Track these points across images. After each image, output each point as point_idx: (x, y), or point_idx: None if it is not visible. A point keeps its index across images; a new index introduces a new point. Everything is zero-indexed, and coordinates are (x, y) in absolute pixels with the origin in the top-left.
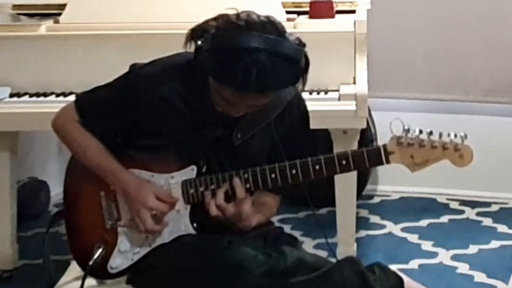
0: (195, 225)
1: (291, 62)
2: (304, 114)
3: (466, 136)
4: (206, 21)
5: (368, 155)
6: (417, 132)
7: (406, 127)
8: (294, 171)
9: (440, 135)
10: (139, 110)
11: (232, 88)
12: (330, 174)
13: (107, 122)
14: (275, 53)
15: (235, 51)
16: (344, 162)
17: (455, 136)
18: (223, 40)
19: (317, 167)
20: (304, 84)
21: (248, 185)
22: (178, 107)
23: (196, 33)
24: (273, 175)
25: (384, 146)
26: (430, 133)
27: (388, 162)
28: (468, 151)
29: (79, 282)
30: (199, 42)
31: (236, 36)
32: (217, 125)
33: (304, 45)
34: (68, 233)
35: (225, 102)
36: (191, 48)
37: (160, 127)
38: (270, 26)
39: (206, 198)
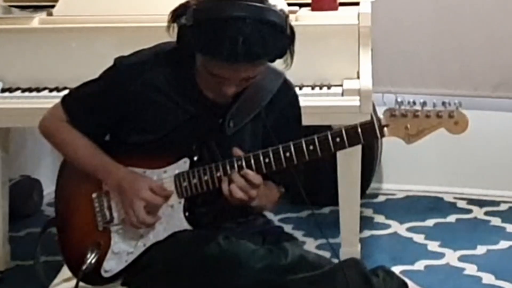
0: (189, 217)
1: (276, 28)
2: (294, 101)
3: (460, 103)
4: (187, 1)
5: (362, 130)
6: (410, 104)
7: (399, 99)
8: (288, 154)
9: (434, 104)
10: (127, 101)
11: (220, 60)
12: (325, 153)
13: (96, 118)
14: (259, 20)
15: (219, 21)
16: (338, 139)
17: (449, 104)
18: (205, 13)
19: (311, 147)
20: (292, 57)
21: (242, 173)
22: (166, 93)
23: (177, 12)
24: (266, 160)
25: (378, 119)
26: (424, 103)
27: (382, 135)
28: (463, 117)
29: (71, 285)
30: (182, 20)
31: (219, 7)
32: (208, 115)
33: (287, 15)
34: (60, 239)
35: (215, 81)
36: (174, 32)
37: (150, 118)
38: None
39: (223, 184)
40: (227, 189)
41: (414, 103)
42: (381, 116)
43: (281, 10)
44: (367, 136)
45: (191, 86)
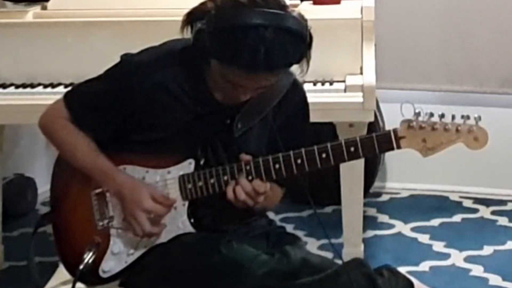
0: (192, 220)
1: (297, 37)
2: (303, 103)
3: (480, 118)
4: (203, 3)
5: (378, 141)
6: (428, 115)
7: (416, 111)
8: (299, 161)
9: (453, 117)
10: (135, 101)
11: (239, 69)
12: (338, 162)
13: (100, 116)
14: (281, 28)
15: (240, 29)
16: (352, 149)
17: (468, 118)
18: (226, 19)
19: (323, 155)
20: (308, 62)
21: (250, 177)
22: (175, 94)
23: (194, 15)
24: (277, 166)
25: (395, 130)
26: (442, 115)
27: (399, 147)
28: (483, 133)
29: (66, 287)
30: (199, 25)
31: (240, 14)
32: (215, 116)
33: (306, 20)
34: (56, 237)
35: (230, 86)
36: (187, 33)
37: (157, 118)
38: (272, 1)
39: (228, 188)
40: (232, 192)
41: (432, 114)
42: (398, 127)
43: (300, 15)
44: (382, 147)
45: (200, 87)
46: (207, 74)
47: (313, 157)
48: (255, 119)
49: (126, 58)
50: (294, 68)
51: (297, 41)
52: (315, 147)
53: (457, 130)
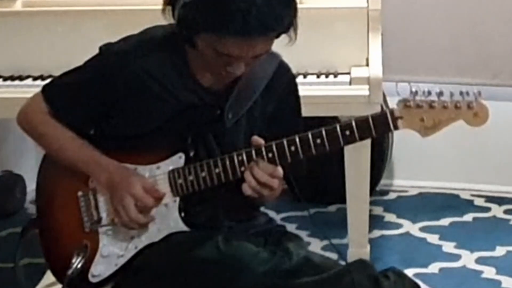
0: (182, 213)
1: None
2: (292, 85)
3: (480, 93)
4: None
5: (374, 122)
6: (425, 94)
7: (413, 90)
8: (293, 148)
9: (451, 94)
10: (117, 89)
11: (233, 35)
12: (334, 147)
13: (82, 108)
14: None
15: None
16: (348, 132)
17: (468, 94)
18: None
19: (318, 140)
20: (295, 31)
21: (243, 168)
22: (159, 82)
23: None
24: (270, 154)
25: (391, 110)
26: (440, 93)
27: (396, 128)
28: (483, 108)
29: None
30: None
31: None
32: (205, 105)
33: None
34: (43, 242)
35: (223, 61)
36: (169, 15)
37: (141, 108)
38: None
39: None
40: (251, 176)
41: (430, 93)
42: (394, 106)
43: None
44: (379, 129)
45: (185, 74)
46: (192, 59)
47: (307, 143)
48: (245, 107)
49: (105, 48)
50: (279, 49)
51: (285, 2)
52: (309, 133)
53: (456, 107)
